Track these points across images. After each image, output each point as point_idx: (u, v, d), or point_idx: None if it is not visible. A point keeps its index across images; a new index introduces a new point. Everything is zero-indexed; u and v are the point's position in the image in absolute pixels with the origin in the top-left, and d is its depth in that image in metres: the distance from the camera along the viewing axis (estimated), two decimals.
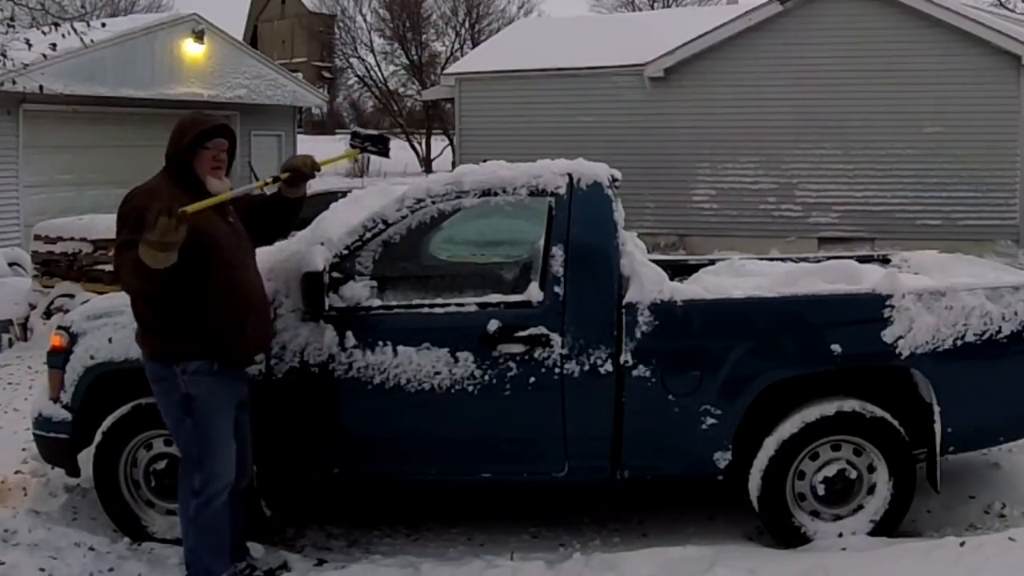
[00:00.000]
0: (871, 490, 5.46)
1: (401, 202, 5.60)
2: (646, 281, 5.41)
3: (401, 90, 53.07)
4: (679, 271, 6.75)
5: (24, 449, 7.02)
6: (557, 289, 5.39)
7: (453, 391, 5.37)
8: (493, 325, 5.37)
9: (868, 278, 5.69)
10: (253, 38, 68.10)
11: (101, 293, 9.41)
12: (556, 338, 5.34)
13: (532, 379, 5.36)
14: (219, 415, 4.83)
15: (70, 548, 5.42)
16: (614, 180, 5.79)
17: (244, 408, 5.07)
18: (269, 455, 5.45)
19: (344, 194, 7.35)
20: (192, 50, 22.31)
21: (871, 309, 5.39)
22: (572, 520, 6.09)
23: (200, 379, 4.76)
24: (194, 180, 4.75)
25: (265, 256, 5.37)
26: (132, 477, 5.72)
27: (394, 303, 5.64)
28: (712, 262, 7.05)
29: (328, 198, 8.55)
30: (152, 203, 4.41)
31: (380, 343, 5.42)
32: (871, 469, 5.45)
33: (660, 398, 5.36)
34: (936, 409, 5.38)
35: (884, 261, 7.02)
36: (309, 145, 28.07)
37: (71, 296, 11.39)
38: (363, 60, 53.33)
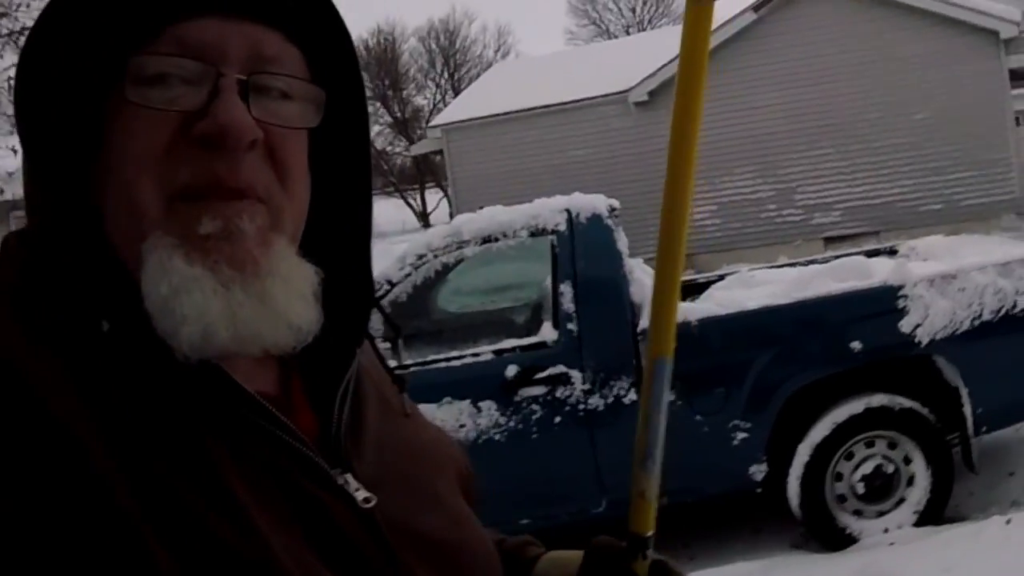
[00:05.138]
0: (910, 481, 5.43)
1: (403, 260, 5.61)
2: None
3: (389, 148, 53.31)
4: (690, 291, 6.74)
5: None
6: (571, 326, 5.38)
7: (480, 442, 5.35)
8: (512, 370, 5.36)
9: (878, 271, 5.69)
10: None
11: None
12: (576, 374, 5.33)
13: (558, 419, 5.35)
14: None
15: None
16: (613, 210, 5.79)
17: None
18: None
19: None
20: None
21: (885, 302, 5.38)
22: None
23: None
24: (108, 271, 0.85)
25: None
26: None
27: (409, 362, 5.63)
28: (721, 277, 7.04)
29: None
30: None
31: None
32: (907, 461, 5.42)
33: (688, 420, 5.34)
34: (963, 391, 5.36)
35: (892, 252, 7.01)
36: None
37: None
38: None
